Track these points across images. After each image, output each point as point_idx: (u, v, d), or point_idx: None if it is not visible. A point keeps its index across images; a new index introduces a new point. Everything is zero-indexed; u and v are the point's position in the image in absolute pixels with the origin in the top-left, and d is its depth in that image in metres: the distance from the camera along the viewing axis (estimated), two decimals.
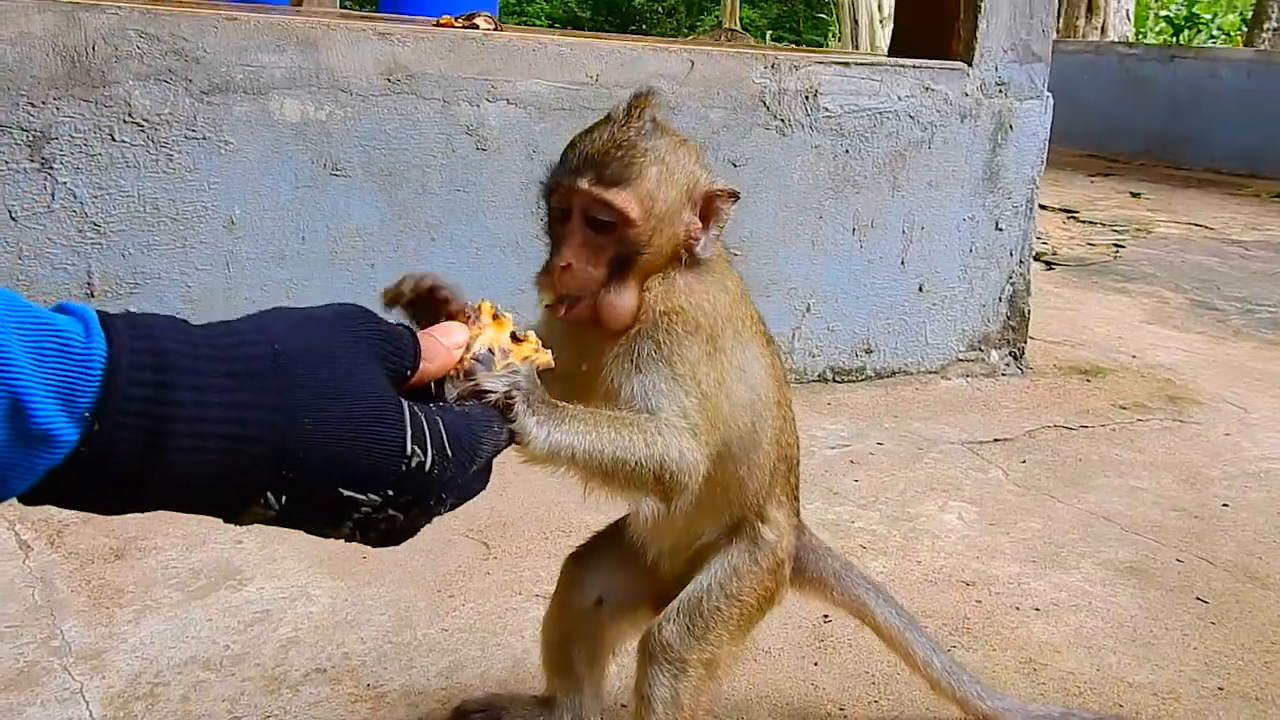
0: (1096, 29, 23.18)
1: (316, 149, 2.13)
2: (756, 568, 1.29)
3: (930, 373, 2.96)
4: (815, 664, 1.64)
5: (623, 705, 1.49)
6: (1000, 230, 2.97)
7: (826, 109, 2.63)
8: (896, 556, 2.00)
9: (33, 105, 1.92)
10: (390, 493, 0.72)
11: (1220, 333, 3.81)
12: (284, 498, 0.68)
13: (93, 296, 2.00)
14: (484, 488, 0.84)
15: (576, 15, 36.82)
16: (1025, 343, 3.12)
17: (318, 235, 2.16)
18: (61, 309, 0.64)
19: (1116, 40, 10.51)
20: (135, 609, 1.63)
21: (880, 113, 2.70)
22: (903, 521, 2.15)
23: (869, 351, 2.84)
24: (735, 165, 2.54)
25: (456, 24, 2.36)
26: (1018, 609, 1.84)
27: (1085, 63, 9.78)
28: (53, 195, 1.96)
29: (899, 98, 2.73)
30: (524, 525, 1.99)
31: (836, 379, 2.81)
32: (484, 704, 1.42)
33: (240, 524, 0.72)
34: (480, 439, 0.80)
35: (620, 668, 1.50)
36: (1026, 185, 2.97)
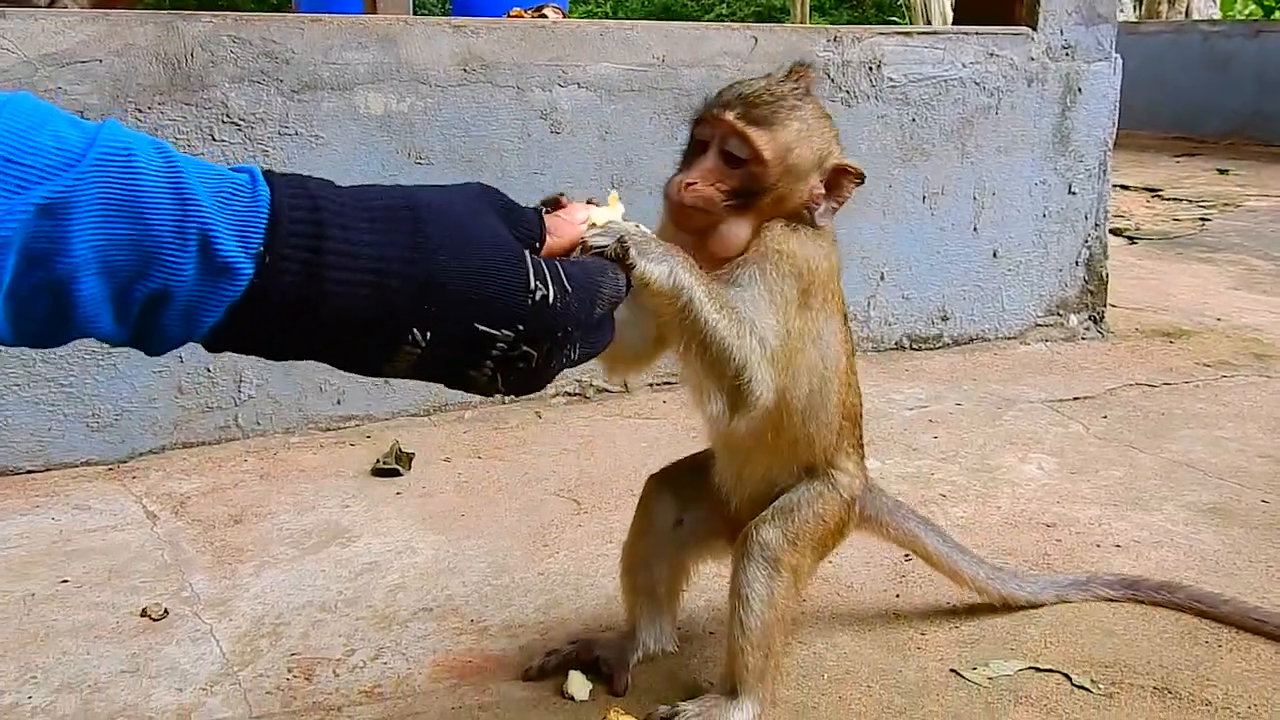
0: (1180, 13, 22.63)
1: (400, 139, 2.25)
2: (836, 496, 1.39)
3: (1008, 338, 2.98)
4: (896, 596, 1.69)
5: (711, 632, 1.56)
6: (1074, 194, 2.98)
7: (891, 79, 2.68)
8: (976, 503, 2.04)
9: (140, 110, 2.07)
10: (521, 328, 0.80)
11: None
12: (428, 333, 0.77)
13: None
14: (608, 340, 0.91)
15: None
16: (1105, 307, 3.12)
17: None
18: (231, 169, 0.75)
19: (1199, 18, 10.29)
20: (255, 564, 1.75)
21: (945, 81, 2.75)
22: (982, 473, 2.18)
23: (945, 319, 2.87)
24: None
25: (526, 15, 2.47)
26: (1098, 546, 1.87)
27: (1167, 43, 9.60)
28: None
29: (963, 65, 2.77)
30: (611, 484, 2.08)
31: (914, 346, 2.85)
32: (571, 640, 1.50)
33: (393, 372, 0.80)
34: (598, 281, 0.88)
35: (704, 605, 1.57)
36: (1098, 148, 2.98)
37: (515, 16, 2.47)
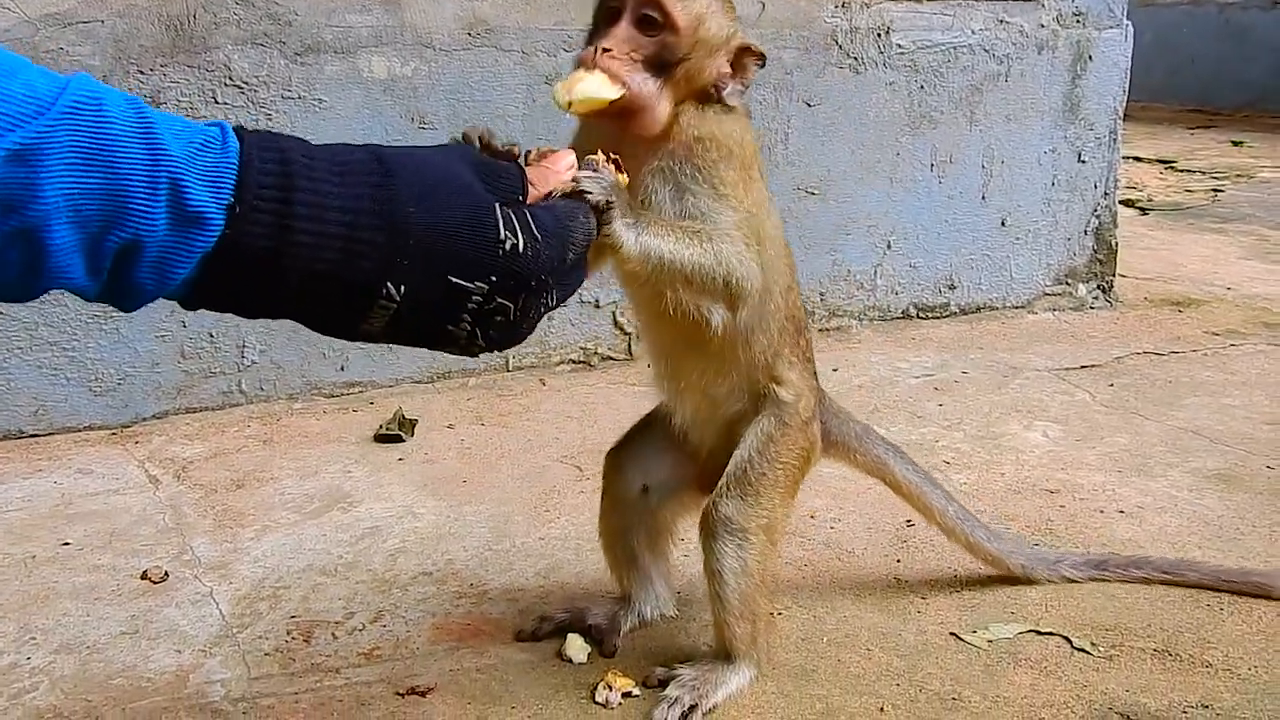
0: None
1: (404, 104, 2.24)
2: (786, 428, 1.36)
3: (1016, 307, 2.96)
4: (898, 561, 1.68)
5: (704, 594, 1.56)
6: (1083, 162, 2.95)
7: (899, 45, 2.66)
8: (980, 470, 2.03)
9: (142, 73, 2.06)
10: (494, 278, 0.80)
11: None
12: (402, 287, 0.76)
13: None
14: (582, 280, 0.92)
15: None
16: (1114, 276, 3.10)
17: None
18: (204, 124, 0.74)
19: None
20: (256, 529, 1.75)
21: (954, 47, 2.72)
22: (987, 440, 2.17)
23: (952, 287, 2.86)
24: (809, 104, 2.59)
25: None
26: (1101, 512, 1.86)
27: (1183, 15, 9.49)
28: None
29: (973, 31, 2.74)
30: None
31: (920, 315, 2.84)
32: (565, 608, 1.49)
33: (371, 331, 0.80)
34: (568, 225, 0.87)
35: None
36: (1109, 116, 2.95)
37: None
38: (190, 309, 0.76)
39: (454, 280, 0.78)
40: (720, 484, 1.34)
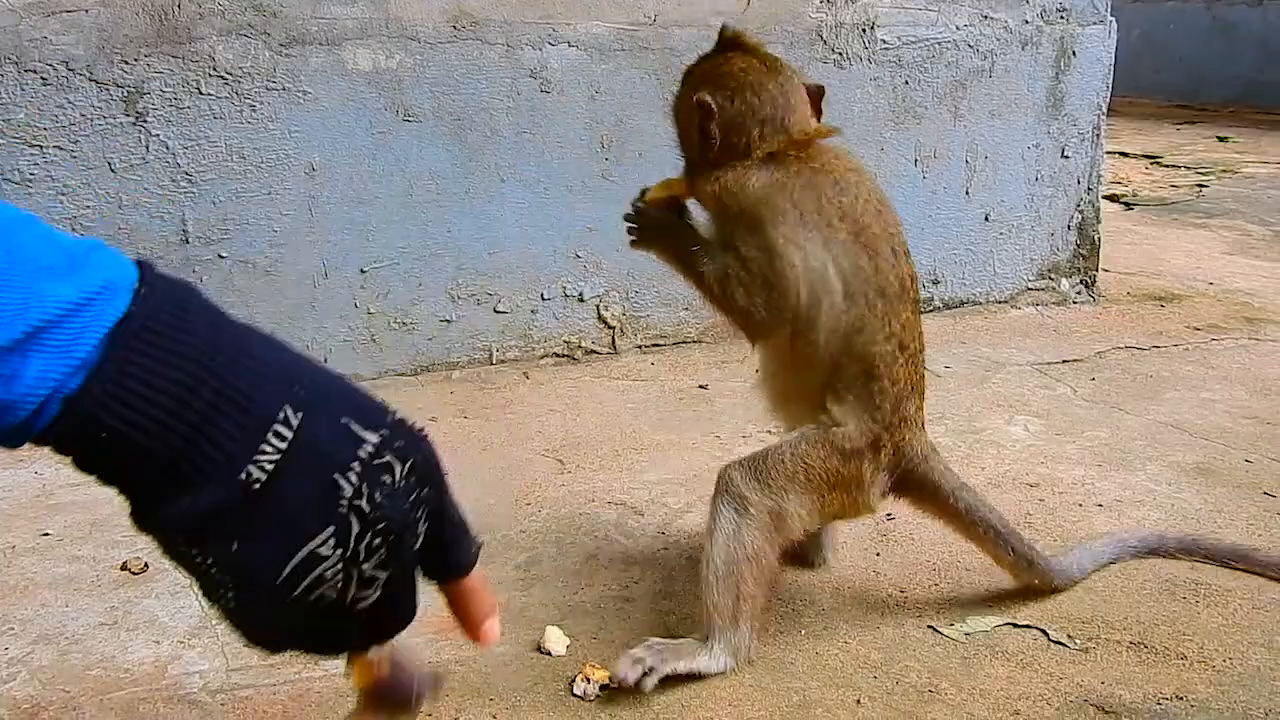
0: None
1: (389, 96, 2.23)
2: (823, 440, 1.40)
3: (1000, 302, 2.97)
4: (877, 554, 1.69)
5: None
6: (1066, 158, 2.96)
7: (884, 41, 2.66)
8: (961, 465, 2.03)
9: (125, 63, 2.06)
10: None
11: None
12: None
13: (187, 243, 2.13)
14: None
15: None
16: (1096, 271, 3.11)
17: (393, 179, 2.26)
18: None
19: None
20: None
21: (939, 43, 2.72)
22: (968, 434, 2.18)
23: (936, 282, 2.87)
24: None
25: None
26: (1080, 506, 1.87)
27: (1170, 11, 9.53)
28: (147, 148, 2.09)
29: (957, 27, 2.74)
30: (597, 444, 2.08)
31: None
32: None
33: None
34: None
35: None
36: (1092, 112, 2.96)
37: None
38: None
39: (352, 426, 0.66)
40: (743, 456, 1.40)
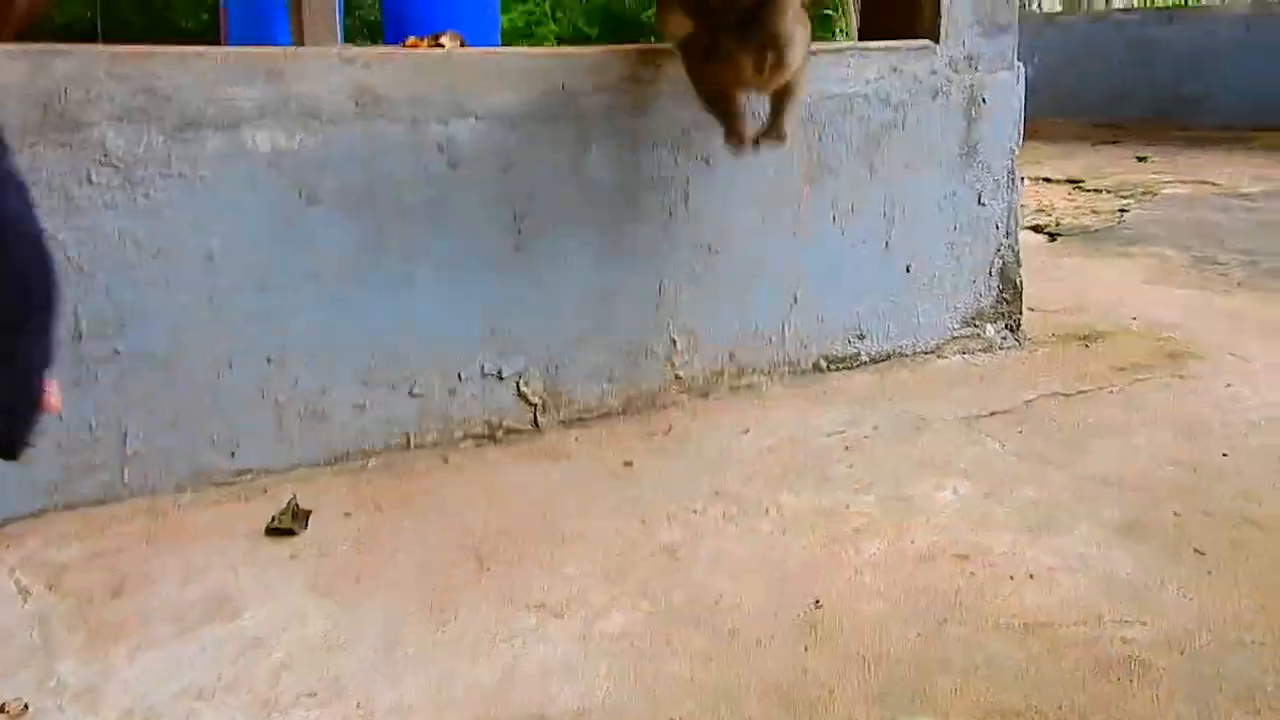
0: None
1: (291, 178, 2.16)
2: None
3: (926, 353, 2.96)
4: (805, 649, 1.64)
5: None
6: (983, 204, 2.96)
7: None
8: (890, 538, 2.01)
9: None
10: None
11: (1223, 286, 3.79)
12: None
13: (80, 338, 2.04)
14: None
15: (585, 32, 36.99)
16: (1021, 314, 3.11)
17: (298, 263, 2.19)
18: None
19: (1113, 8, 10.45)
20: (131, 644, 1.66)
21: (850, 98, 2.71)
22: (896, 502, 2.15)
23: (861, 337, 2.85)
24: (708, 162, 2.56)
25: (423, 44, 2.39)
26: (1011, 578, 1.84)
27: (1084, 33, 9.75)
28: None
29: (867, 81, 2.73)
30: (517, 535, 2.01)
31: (831, 367, 2.82)
32: None
33: None
34: None
35: None
36: (1005, 157, 2.97)
37: (411, 46, 2.38)
38: None
39: None
40: None
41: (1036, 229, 4.99)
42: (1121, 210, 5.36)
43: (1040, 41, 9.91)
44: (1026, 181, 6.44)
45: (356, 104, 2.20)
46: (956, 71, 2.85)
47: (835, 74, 2.70)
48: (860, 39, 3.06)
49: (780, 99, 2.38)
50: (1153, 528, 2.01)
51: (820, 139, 2.70)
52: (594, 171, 2.45)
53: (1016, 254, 3.07)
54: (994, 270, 3.03)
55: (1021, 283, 3.10)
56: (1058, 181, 6.48)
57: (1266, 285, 3.75)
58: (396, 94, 2.24)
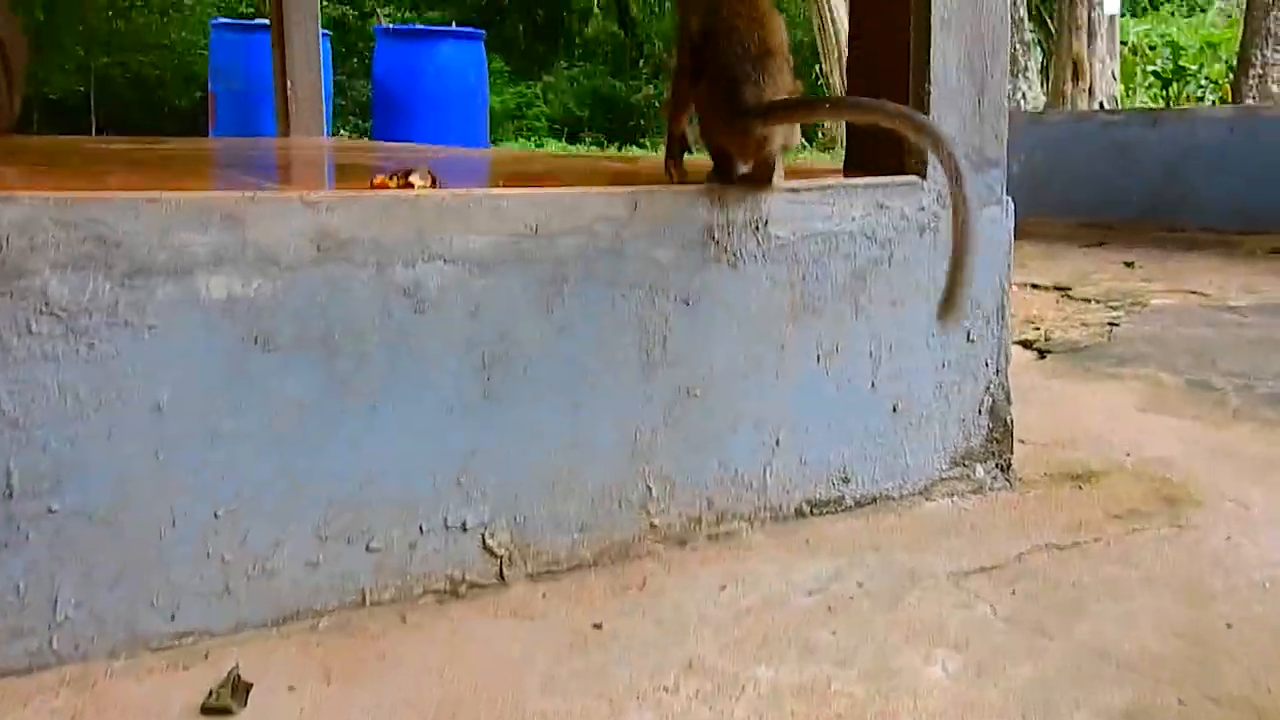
0: (1084, 91, 23.47)
1: (246, 325, 2.06)
2: None
3: (913, 495, 2.85)
4: None
5: None
6: (973, 341, 2.88)
7: (778, 237, 2.56)
8: None
9: None
10: None
11: (1219, 415, 3.70)
12: None
13: (11, 497, 1.91)
14: None
15: (575, 114, 37.57)
16: (1011, 453, 3.01)
17: (251, 413, 2.08)
18: None
19: (1098, 109, 10.56)
20: None
21: (835, 235, 2.64)
22: (882, 679, 2.01)
23: (846, 480, 2.73)
24: (688, 303, 2.47)
25: (391, 184, 2.31)
26: None
27: (1071, 133, 9.83)
28: None
29: (853, 218, 2.66)
30: (477, 709, 1.87)
31: (814, 511, 2.70)
32: None
33: None
34: None
35: None
36: (995, 293, 2.89)
37: (380, 185, 2.30)
38: None
39: None
40: None
41: (1025, 344, 4.92)
42: (1111, 324, 5.30)
43: (1027, 139, 10.00)
44: (1014, 286, 6.40)
45: (318, 248, 2.11)
46: (944, 207, 2.78)
47: (820, 211, 2.62)
48: (846, 169, 3.00)
49: (767, 160, 2.53)
50: (1157, 714, 1.88)
51: (804, 278, 2.62)
52: (567, 315, 2.35)
53: (1007, 391, 2.98)
54: (984, 409, 2.94)
55: (1012, 421, 3.00)
56: (1046, 288, 6.45)
57: (1263, 415, 3.66)
58: (361, 237, 2.14)
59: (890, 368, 2.77)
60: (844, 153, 3.04)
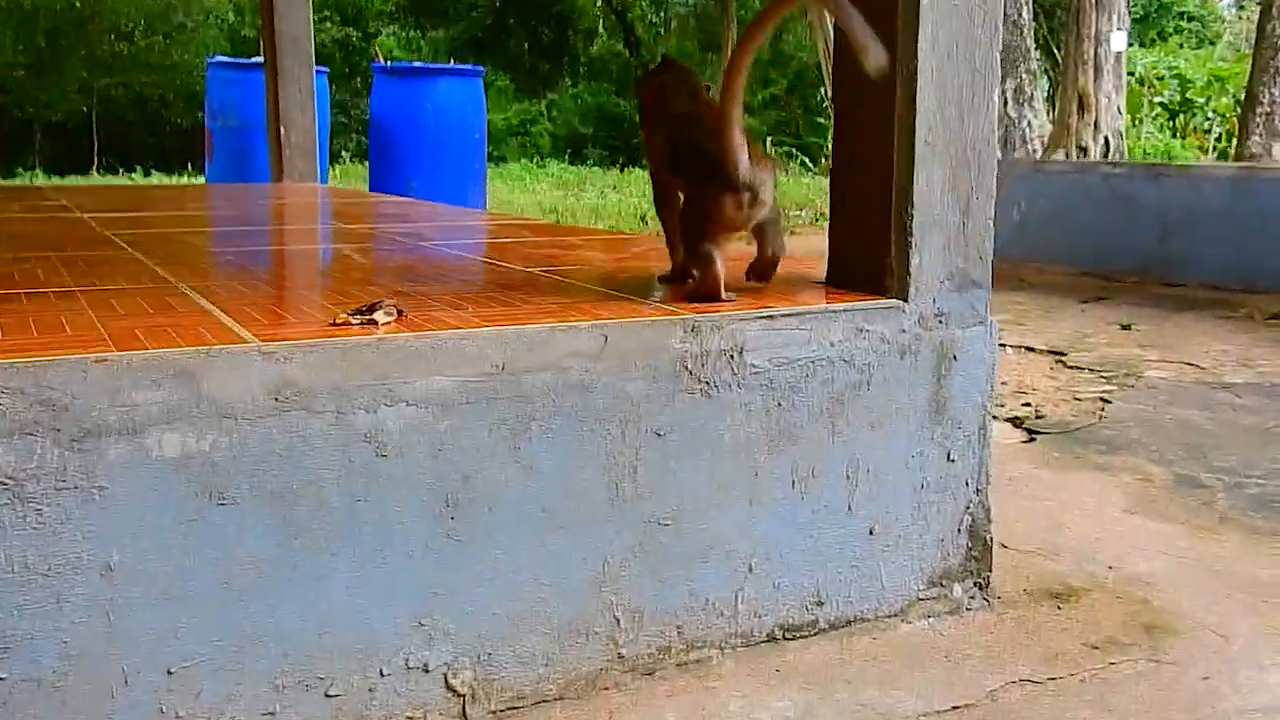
0: (1090, 125, 23.48)
1: (200, 481, 2.02)
2: None
3: (889, 617, 2.80)
4: None
5: None
6: (953, 461, 2.84)
7: (754, 365, 2.53)
8: None
9: None
10: None
11: (1206, 520, 3.65)
12: None
13: None
14: None
15: (579, 131, 37.59)
16: (990, 570, 2.97)
17: (206, 569, 2.04)
18: None
19: (1102, 159, 10.52)
20: None
21: (813, 362, 2.60)
22: None
23: (820, 603, 2.69)
24: (660, 435, 2.43)
25: (354, 322, 2.28)
26: None
27: (1072, 182, 9.81)
28: None
29: (831, 344, 2.62)
30: None
31: (787, 636, 2.66)
32: None
33: None
34: None
35: None
36: (977, 412, 2.85)
37: (343, 324, 2.27)
38: None
39: None
40: None
41: (1016, 422, 4.87)
42: (1103, 399, 5.25)
43: (1029, 186, 9.98)
44: (1009, 350, 6.37)
45: (276, 399, 2.08)
46: (926, 329, 2.75)
47: (798, 338, 2.59)
48: (827, 283, 2.97)
49: (762, 229, 2.82)
50: None
51: (780, 405, 2.58)
52: (535, 451, 2.32)
53: (987, 510, 2.94)
54: (963, 528, 2.90)
55: (991, 540, 2.96)
56: (1040, 352, 6.41)
57: (1251, 522, 3.61)
58: (320, 385, 2.11)
59: (868, 490, 2.73)
60: (826, 267, 3.01)
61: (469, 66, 11.51)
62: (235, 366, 2.05)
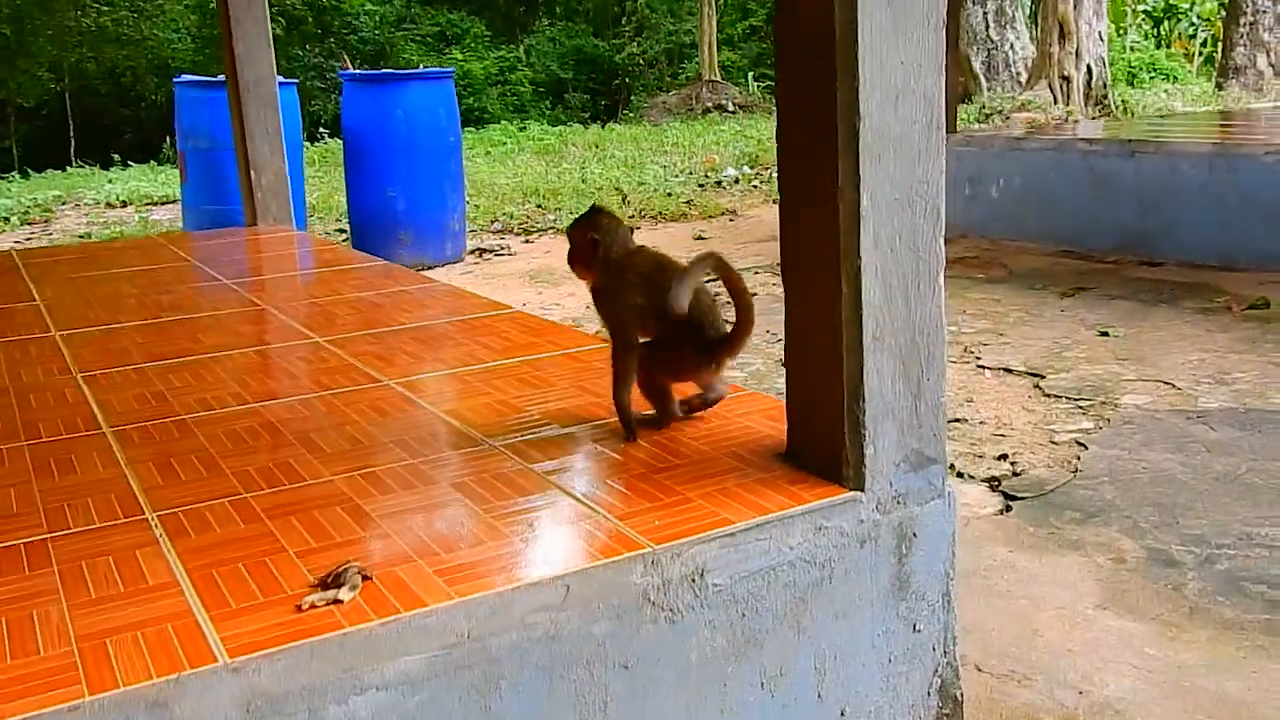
0: (1071, 53, 23.13)
1: None
2: None
3: None
4: None
5: None
6: (919, 631, 2.91)
7: (716, 584, 2.59)
8: None
9: None
10: None
11: (1176, 614, 3.73)
12: None
13: None
14: None
15: (559, 77, 36.95)
16: None
17: None
18: None
19: (1077, 135, 10.45)
20: None
21: (773, 569, 2.65)
22: None
23: None
24: (627, 667, 2.50)
25: (319, 604, 2.33)
26: None
27: (1050, 160, 9.76)
28: None
29: (791, 547, 2.68)
30: None
31: None
32: None
33: None
34: None
35: None
36: (940, 581, 2.92)
37: (308, 609, 2.32)
38: None
39: None
40: None
41: (993, 485, 4.93)
42: (1079, 444, 5.31)
43: (1007, 164, 9.94)
44: (988, 373, 6.42)
45: (248, 710, 2.14)
46: (884, 514, 2.80)
47: (758, 549, 2.64)
48: (785, 459, 3.01)
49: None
50: None
51: (744, 615, 2.64)
52: (504, 707, 2.38)
53: (955, 670, 3.01)
54: (932, 690, 2.98)
55: (962, 695, 3.04)
56: (1019, 373, 6.45)
57: (1220, 613, 3.70)
58: (291, 689, 2.17)
59: (836, 675, 2.80)
60: (785, 442, 3.05)
61: (438, 70, 11.38)
62: (206, 689, 2.10)
